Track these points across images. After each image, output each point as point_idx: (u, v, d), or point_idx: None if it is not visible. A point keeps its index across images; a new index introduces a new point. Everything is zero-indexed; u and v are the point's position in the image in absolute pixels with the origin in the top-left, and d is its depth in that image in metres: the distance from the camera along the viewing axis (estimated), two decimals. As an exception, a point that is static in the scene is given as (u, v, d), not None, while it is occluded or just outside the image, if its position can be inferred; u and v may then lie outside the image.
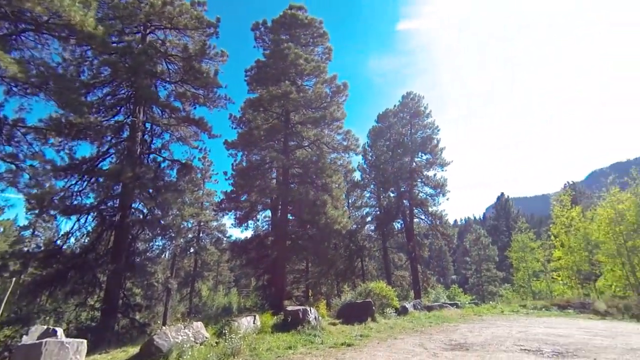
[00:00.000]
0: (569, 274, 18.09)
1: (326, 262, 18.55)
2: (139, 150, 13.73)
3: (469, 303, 17.11)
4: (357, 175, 33.40)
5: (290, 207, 16.42)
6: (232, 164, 18.01)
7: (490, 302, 18.10)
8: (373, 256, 36.55)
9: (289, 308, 9.29)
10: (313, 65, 15.65)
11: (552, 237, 19.25)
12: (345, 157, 17.01)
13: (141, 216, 13.91)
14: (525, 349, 5.82)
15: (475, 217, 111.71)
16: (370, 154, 32.62)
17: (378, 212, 31.58)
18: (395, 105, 32.03)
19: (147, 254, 14.87)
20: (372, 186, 32.84)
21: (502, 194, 47.48)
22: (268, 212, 19.07)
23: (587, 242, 16.82)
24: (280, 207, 16.32)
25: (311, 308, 9.00)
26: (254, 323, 8.45)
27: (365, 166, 33.23)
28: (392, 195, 31.58)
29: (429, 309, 13.48)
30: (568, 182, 40.04)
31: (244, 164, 17.62)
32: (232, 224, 18.16)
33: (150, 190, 13.51)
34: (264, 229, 19.61)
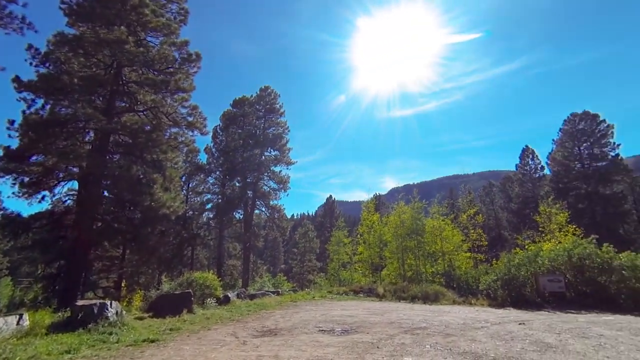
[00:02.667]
0: (366, 266, 22.64)
1: (148, 249, 16.30)
2: None
3: (288, 290, 18.76)
4: (202, 158, 31.20)
5: (107, 181, 13.49)
6: (24, 112, 13.21)
7: (306, 289, 20.44)
8: (207, 245, 35.01)
9: (81, 302, 7.50)
10: (162, 22, 13.45)
11: (359, 236, 23.66)
12: (189, 135, 15.43)
13: None
14: (322, 330, 6.72)
15: (308, 214, 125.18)
16: (221, 138, 31.16)
17: (220, 200, 30.49)
18: (252, 95, 31.82)
19: None
20: (218, 172, 31.41)
21: (331, 196, 55.03)
22: (75, 184, 15.05)
23: (380, 241, 21.55)
24: (91, 180, 13.13)
25: (112, 302, 7.57)
26: (18, 324, 6.37)
27: (213, 150, 31.45)
28: (237, 184, 31.19)
29: (252, 297, 13.88)
30: (376, 194, 50.55)
31: (45, 115, 13.24)
32: (14, 193, 13.25)
33: None
34: (66, 204, 15.38)
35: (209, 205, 31.11)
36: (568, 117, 36.85)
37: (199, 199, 31.47)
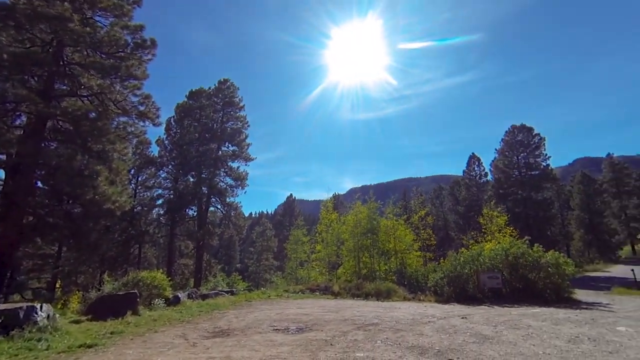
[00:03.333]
0: (323, 264, 22.90)
1: (89, 246, 14.97)
2: None
3: (243, 290, 18.35)
4: (154, 151, 29.40)
5: (41, 171, 12.12)
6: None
7: (262, 289, 20.15)
8: (157, 243, 33.07)
9: (2, 306, 6.67)
10: (114, 2, 12.38)
11: (318, 234, 23.87)
12: (140, 125, 14.37)
13: None
14: (276, 329, 6.67)
15: (267, 212, 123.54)
16: (175, 130, 29.58)
17: (172, 196, 28.91)
18: (210, 88, 30.59)
19: None
20: (170, 167, 29.76)
21: (291, 194, 54.86)
22: (1, 174, 13.30)
23: (338, 239, 21.94)
24: (22, 169, 11.70)
25: (43, 304, 6.83)
26: None
27: (166, 143, 29.77)
28: (191, 180, 29.81)
29: (205, 297, 13.37)
30: (335, 194, 51.35)
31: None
32: None
33: None
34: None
35: (160, 201, 29.37)
36: (508, 128, 40.54)
37: (149, 193, 29.56)
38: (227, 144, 30.05)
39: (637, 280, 18.90)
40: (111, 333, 6.49)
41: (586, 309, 10.47)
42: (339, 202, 49.34)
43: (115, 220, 21.79)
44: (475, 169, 45.70)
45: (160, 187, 29.47)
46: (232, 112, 30.59)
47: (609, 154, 51.78)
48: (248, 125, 30.86)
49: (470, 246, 16.58)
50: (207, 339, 6.06)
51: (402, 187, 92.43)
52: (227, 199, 29.74)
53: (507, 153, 39.82)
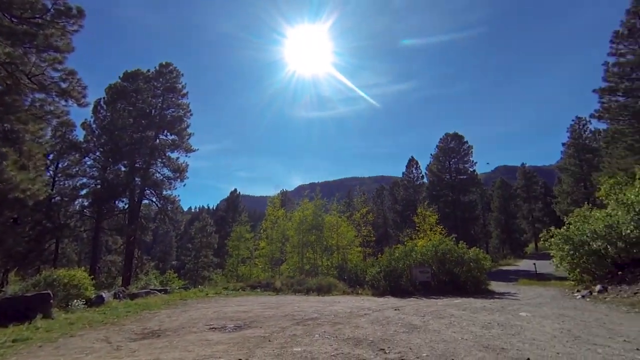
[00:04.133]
0: (267, 260, 22.64)
1: (-13, 241, 12.80)
2: None
3: (179, 288, 17.34)
4: (79, 135, 26.25)
5: None
6: None
7: (200, 287, 19.24)
8: (79, 237, 29.61)
9: None
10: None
11: (262, 231, 23.51)
12: (61, 105, 12.58)
13: None
14: (213, 328, 6.43)
15: (209, 207, 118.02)
16: (105, 114, 26.72)
17: (99, 186, 26.06)
18: (150, 71, 28.21)
19: None
20: (98, 153, 26.80)
21: (235, 189, 53.14)
22: None
23: (283, 236, 21.89)
24: None
25: None
26: None
27: (94, 127, 26.77)
28: (123, 169, 27.19)
29: (134, 296, 12.37)
30: (283, 190, 51.06)
31: None
32: None
33: None
34: None
35: (84, 191, 26.27)
36: (443, 136, 44.36)
37: (70, 182, 26.24)
38: (166, 132, 27.95)
39: (537, 272, 22.09)
40: (13, 341, 5.65)
41: (498, 298, 11.93)
42: (286, 198, 49.12)
43: (27, 211, 18.99)
44: (413, 171, 49.05)
45: (85, 175, 26.34)
46: (173, 99, 28.52)
47: (522, 164, 59.61)
48: (191, 114, 29.06)
49: (405, 242, 17.78)
50: (134, 341, 5.60)
51: (348, 185, 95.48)
52: (164, 192, 27.73)
53: (440, 158, 43.48)
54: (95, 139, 26.21)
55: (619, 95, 22.10)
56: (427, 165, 45.35)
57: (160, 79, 27.99)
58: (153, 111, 27.71)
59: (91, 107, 25.44)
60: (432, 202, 37.63)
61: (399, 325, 6.35)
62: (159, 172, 27.78)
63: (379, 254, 21.17)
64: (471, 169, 42.80)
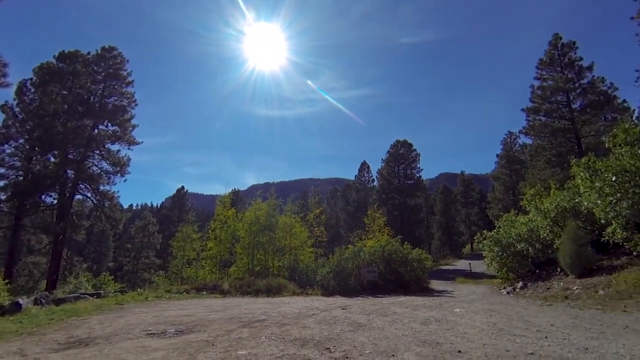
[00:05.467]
0: (214, 262, 21.77)
1: None
2: None
3: (115, 292, 15.94)
4: (-4, 118, 22.99)
5: None
6: None
7: (139, 290, 17.90)
8: (-8, 236, 25.81)
9: None
10: None
11: (211, 231, 22.57)
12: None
13: None
14: (151, 333, 6.02)
15: (152, 205, 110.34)
16: (32, 96, 23.76)
17: (21, 178, 23.00)
18: (90, 54, 25.74)
19: None
20: (21, 141, 23.68)
21: (183, 187, 50.42)
22: None
23: (233, 236, 21.22)
24: None
25: None
26: None
27: (17, 110, 23.66)
28: (52, 160, 24.32)
29: (60, 302, 11.09)
30: (234, 189, 49.60)
31: None
32: None
33: None
34: None
35: (2, 183, 23.00)
36: (393, 142, 46.74)
37: (-17, 172, 22.78)
38: (106, 122, 25.57)
39: (472, 271, 24.18)
40: None
41: (437, 296, 12.83)
42: (238, 198, 47.77)
43: None
44: (365, 174, 50.85)
45: (4, 165, 23.04)
46: (116, 86, 26.19)
47: (462, 172, 64.86)
48: (136, 104, 26.91)
49: (355, 243, 18.33)
50: (56, 352, 5.03)
51: (303, 186, 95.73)
52: (101, 187, 25.30)
53: (390, 163, 45.66)
54: (18, 125, 23.07)
55: (541, 115, 25.13)
56: (379, 169, 47.37)
57: (102, 64, 25.56)
58: (92, 98, 25.19)
59: (14, 88, 22.40)
60: (382, 205, 39.34)
61: (345, 324, 6.52)
62: (96, 165, 25.31)
63: (330, 255, 21.53)
64: (418, 175, 45.58)
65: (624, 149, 9.01)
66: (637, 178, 7.98)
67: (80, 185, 24.79)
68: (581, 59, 24.27)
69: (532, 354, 4.45)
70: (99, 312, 9.03)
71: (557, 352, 4.49)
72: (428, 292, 14.51)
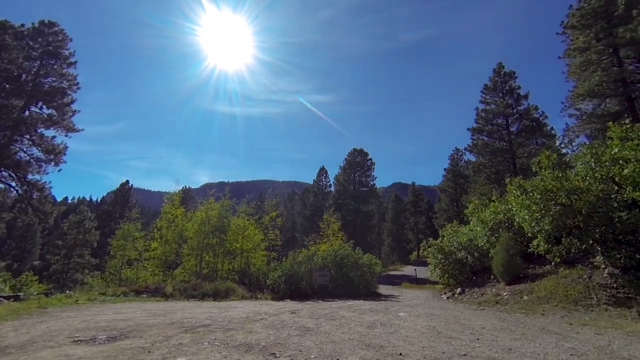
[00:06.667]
0: (159, 263, 20.42)
1: None
2: None
3: (38, 294, 14.25)
4: None
5: None
6: None
7: (68, 291, 16.18)
8: None
9: None
10: None
11: (156, 230, 21.16)
12: None
13: None
14: (78, 340, 5.45)
15: (91, 199, 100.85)
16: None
17: None
18: (25, 26, 23.04)
19: None
20: None
21: (127, 181, 46.89)
22: None
23: (181, 237, 20.11)
24: None
25: None
26: None
27: None
28: (-33, 141, 21.19)
29: (-36, 307, 9.61)
30: (185, 187, 47.22)
31: None
32: None
33: None
34: None
35: None
36: (350, 150, 48.21)
37: None
38: (41, 104, 22.90)
39: (417, 277, 25.50)
40: None
41: (384, 300, 13.30)
42: (189, 196, 45.55)
43: None
44: (323, 179, 51.46)
45: None
46: (55, 66, 23.62)
47: (413, 182, 68.44)
48: (78, 88, 24.46)
49: (309, 247, 18.38)
50: (-46, 365, 4.33)
51: (260, 188, 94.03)
52: (30, 176, 22.56)
53: (347, 170, 46.83)
54: None
55: (484, 135, 27.49)
56: (336, 175, 48.26)
57: (39, 39, 22.91)
58: (25, 76, 22.42)
59: None
60: (337, 210, 40.04)
61: (293, 328, 6.48)
62: (24, 151, 22.50)
63: (283, 258, 21.34)
64: (372, 183, 47.25)
65: (547, 172, 10.24)
66: (557, 197, 9.05)
67: (3, 173, 21.86)
68: (519, 87, 27.08)
69: (465, 355, 4.79)
70: (16, 317, 7.97)
71: (485, 353, 4.88)
72: (376, 296, 14.99)
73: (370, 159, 47.40)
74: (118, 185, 47.25)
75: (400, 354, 4.78)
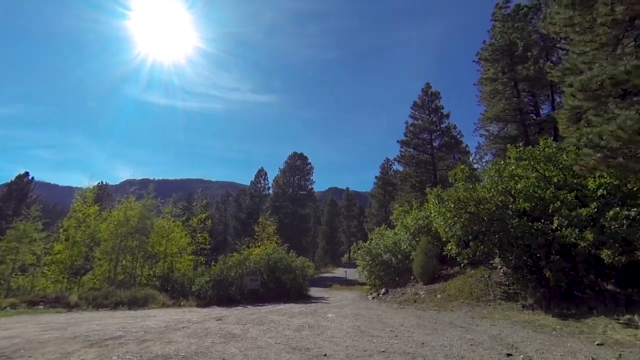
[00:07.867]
0: (63, 268, 17.72)
1: None
2: None
3: None
4: None
5: None
6: None
7: None
8: None
9: None
10: None
11: (62, 231, 18.38)
12: None
13: None
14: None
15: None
16: None
17: None
18: None
19: None
20: None
21: (27, 173, 40.02)
22: None
23: (92, 239, 17.77)
24: None
25: None
26: None
27: None
28: None
29: None
30: (102, 182, 42.05)
31: None
32: None
33: None
34: None
35: None
36: (290, 154, 48.34)
37: None
38: None
39: (347, 279, 26.53)
40: None
41: (314, 302, 13.53)
42: (105, 193, 40.73)
43: None
44: (261, 181, 50.51)
45: None
46: None
47: (347, 188, 71.40)
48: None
49: (241, 251, 17.80)
50: None
51: (190, 187, 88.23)
52: None
53: (287, 173, 46.81)
54: None
55: (411, 148, 30.02)
56: (275, 177, 47.81)
57: None
58: None
59: None
60: (274, 213, 39.65)
61: (217, 336, 6.21)
62: None
63: (213, 263, 20.28)
64: (310, 187, 47.96)
65: (460, 184, 11.63)
66: (467, 206, 10.31)
67: None
68: (442, 107, 30.27)
69: (384, 351, 5.13)
70: None
71: (402, 348, 5.30)
72: (307, 299, 15.17)
73: (310, 163, 48.12)
74: (14, 177, 39.86)
75: (325, 354, 4.92)
